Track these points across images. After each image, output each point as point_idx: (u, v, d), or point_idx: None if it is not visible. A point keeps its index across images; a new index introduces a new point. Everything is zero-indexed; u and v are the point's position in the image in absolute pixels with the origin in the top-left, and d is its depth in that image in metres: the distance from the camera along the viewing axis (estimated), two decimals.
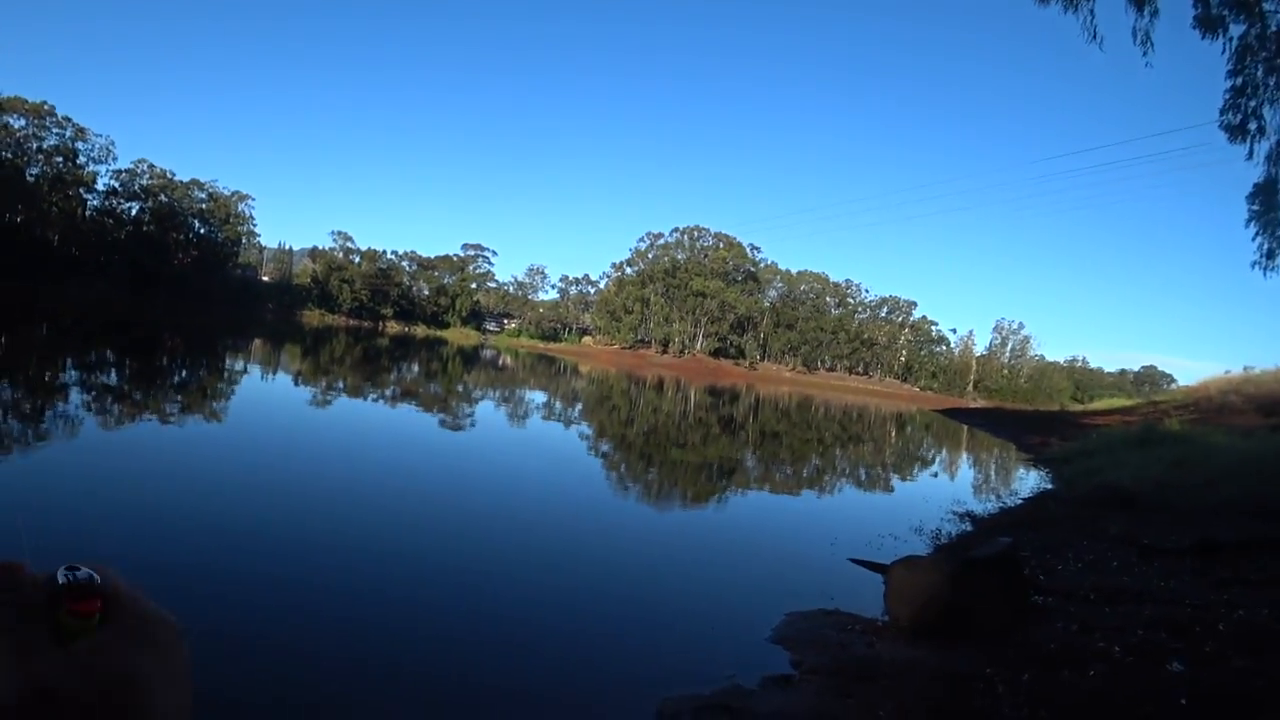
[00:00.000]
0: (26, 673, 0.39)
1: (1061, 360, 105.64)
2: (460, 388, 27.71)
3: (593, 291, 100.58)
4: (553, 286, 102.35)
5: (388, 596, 6.07)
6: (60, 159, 63.89)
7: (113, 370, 19.62)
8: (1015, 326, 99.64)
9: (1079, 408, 62.71)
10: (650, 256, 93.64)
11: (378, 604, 5.88)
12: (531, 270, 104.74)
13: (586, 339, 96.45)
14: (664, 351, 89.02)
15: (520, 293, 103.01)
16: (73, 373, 17.44)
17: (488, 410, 21.32)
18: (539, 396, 27.58)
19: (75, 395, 14.12)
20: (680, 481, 14.81)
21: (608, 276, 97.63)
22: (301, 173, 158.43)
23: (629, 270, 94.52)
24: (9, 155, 59.35)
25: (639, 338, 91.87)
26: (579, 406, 27.18)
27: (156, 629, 0.45)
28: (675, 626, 6.36)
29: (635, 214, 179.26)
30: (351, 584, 6.16)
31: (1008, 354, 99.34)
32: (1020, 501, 14.06)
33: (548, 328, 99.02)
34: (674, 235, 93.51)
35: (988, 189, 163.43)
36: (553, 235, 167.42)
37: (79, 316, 37.07)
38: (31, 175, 61.62)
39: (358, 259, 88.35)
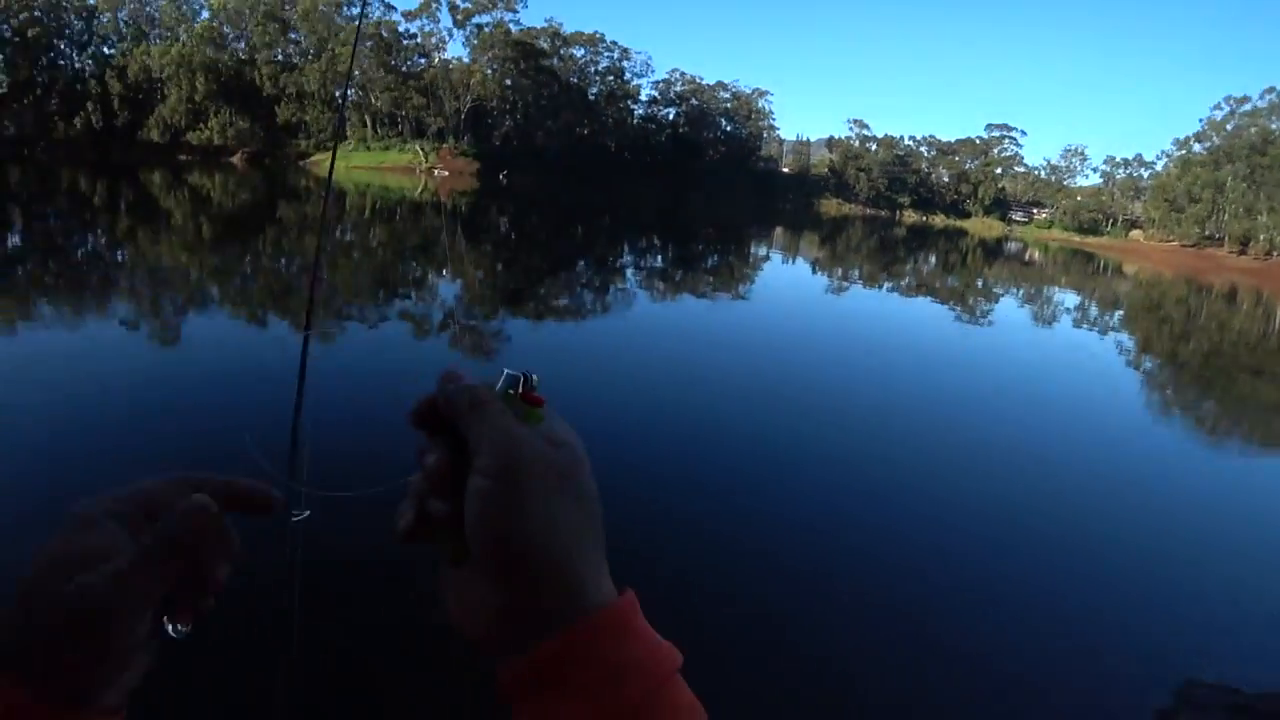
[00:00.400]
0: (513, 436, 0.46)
1: None
2: (979, 283, 26.06)
3: (1146, 175, 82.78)
4: (1094, 170, 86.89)
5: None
6: (611, 78, 75.32)
7: (659, 255, 22.38)
8: None
9: None
10: (1229, 129, 73.29)
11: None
12: (1068, 152, 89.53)
13: (1135, 233, 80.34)
14: (1241, 252, 68.45)
15: (1054, 178, 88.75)
16: (628, 256, 20.31)
17: (1006, 310, 19.69)
18: (1069, 299, 24.47)
19: (630, 275, 16.41)
20: (1248, 423, 11.61)
21: (1167, 156, 78.74)
22: (817, 64, 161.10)
23: (1198, 147, 74.76)
24: (575, 79, 71.88)
25: (1207, 233, 72.10)
26: (1119, 315, 23.30)
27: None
28: (1227, 601, 5.04)
29: (1206, 80, 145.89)
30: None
31: None
32: None
33: (1086, 219, 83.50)
34: (1265, 100, 71.65)
35: None
36: (1096, 110, 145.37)
37: (633, 210, 43.00)
38: (592, 94, 73.77)
39: (874, 147, 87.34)
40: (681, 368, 8.57)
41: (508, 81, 66.22)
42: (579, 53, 73.80)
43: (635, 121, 79.24)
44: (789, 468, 5.92)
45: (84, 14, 64.64)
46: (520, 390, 0.49)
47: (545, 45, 70.04)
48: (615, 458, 5.61)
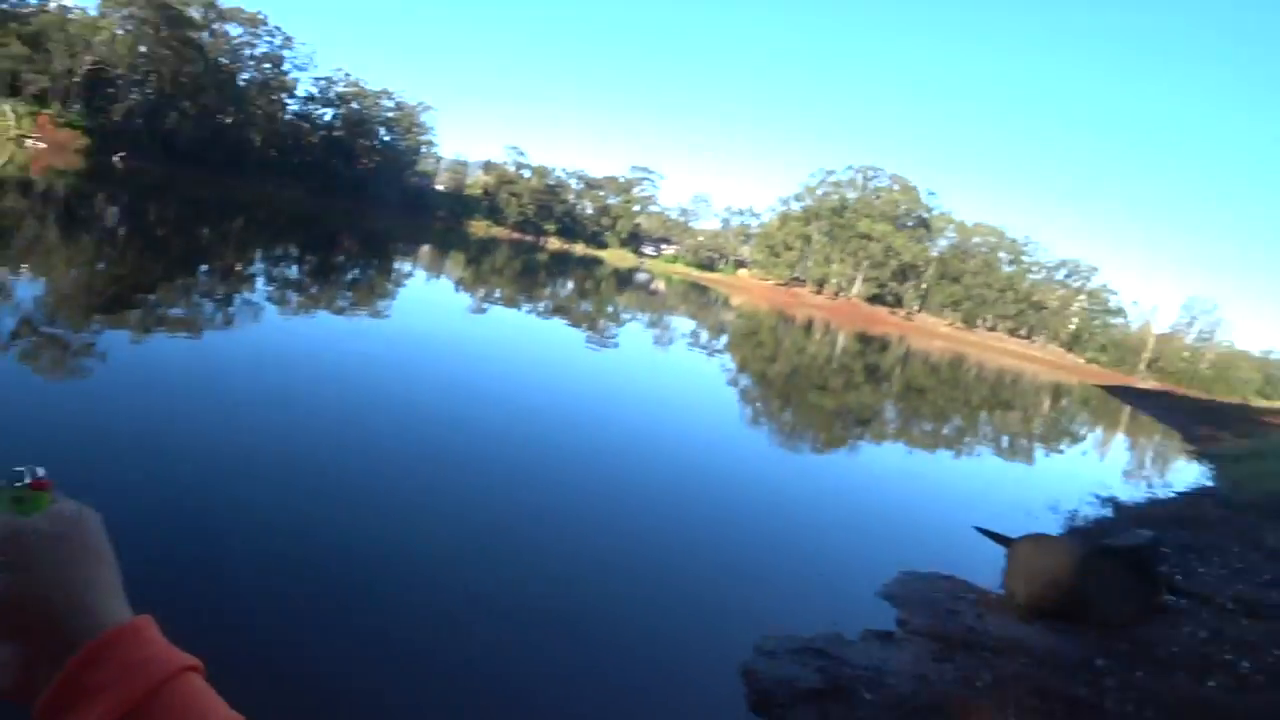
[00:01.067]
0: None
1: (1255, 352, 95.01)
2: (610, 308, 28.39)
3: (754, 224, 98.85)
4: (715, 215, 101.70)
5: (510, 507, 6.53)
6: (268, 65, 69.08)
7: (294, 265, 21.31)
8: (1209, 306, 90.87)
9: (1264, 404, 56.99)
10: (820, 193, 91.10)
11: (505, 510, 6.35)
12: (696, 199, 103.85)
13: (742, 271, 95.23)
14: (819, 292, 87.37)
15: (682, 219, 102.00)
16: (259, 264, 19.10)
17: (632, 333, 21.76)
18: (685, 324, 27.83)
19: (260, 284, 15.51)
20: (814, 426, 14.83)
21: (773, 210, 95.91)
22: (484, 85, 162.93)
23: (796, 205, 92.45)
24: (226, 60, 64.63)
25: (795, 275, 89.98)
26: (723, 339, 27.27)
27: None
28: (787, 570, 6.53)
29: (806, 152, 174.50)
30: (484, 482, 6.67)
31: (1193, 335, 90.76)
32: (1173, 496, 13.20)
33: (704, 257, 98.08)
34: (848, 173, 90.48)
35: (1195, 147, 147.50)
36: (720, 165, 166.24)
37: (272, 213, 40.15)
38: (242, 80, 66.83)
39: (528, 173, 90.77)
40: (291, 396, 8.41)
41: (142, 48, 57.40)
42: (235, 30, 66.44)
43: (287, 117, 73.46)
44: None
45: None
46: (25, 481, 0.58)
47: (196, 15, 61.81)
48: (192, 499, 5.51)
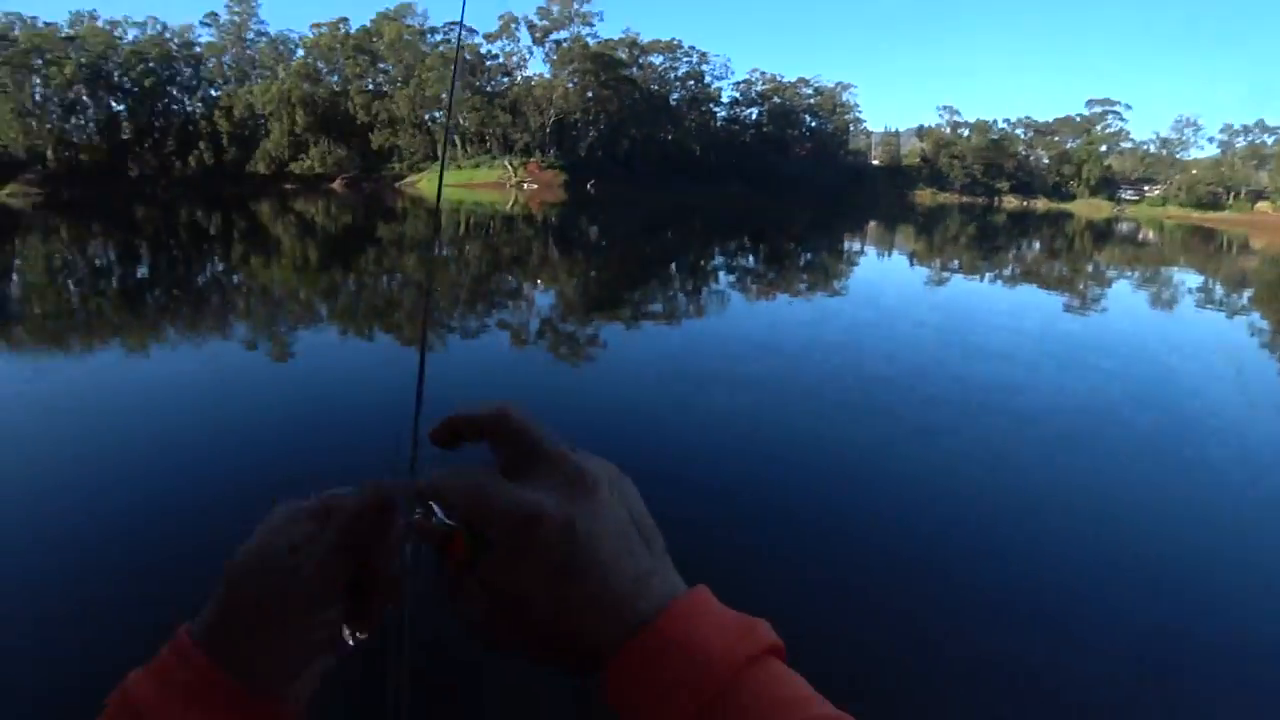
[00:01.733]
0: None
1: None
2: (1088, 267, 24.81)
3: (1270, 142, 76.67)
4: (1210, 140, 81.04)
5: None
6: (692, 82, 75.65)
7: (750, 255, 22.20)
8: None
9: None
10: None
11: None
12: (1180, 123, 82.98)
13: (1262, 205, 74.14)
14: None
15: (1165, 152, 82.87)
16: (719, 257, 20.21)
17: (1121, 294, 18.70)
18: (1188, 278, 22.99)
19: (723, 276, 16.30)
20: None
21: None
22: (900, 53, 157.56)
23: None
24: (655, 87, 72.50)
25: None
26: (1246, 293, 21.72)
27: (530, 532, 0.44)
28: None
29: None
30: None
31: None
32: None
33: (1204, 193, 77.82)
34: None
35: None
36: (1206, 76, 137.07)
37: (721, 211, 42.87)
38: (673, 100, 74.16)
39: (966, 132, 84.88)
40: (773, 368, 8.43)
41: (589, 93, 67.18)
42: (657, 60, 74.48)
43: (718, 124, 79.35)
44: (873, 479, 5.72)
45: (192, 61, 69.11)
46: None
47: (624, 55, 70.88)
48: (694, 454, 5.58)
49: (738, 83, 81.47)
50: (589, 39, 68.88)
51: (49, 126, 62.97)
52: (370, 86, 68.65)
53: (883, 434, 6.16)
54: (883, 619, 3.57)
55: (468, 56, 65.78)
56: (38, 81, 62.60)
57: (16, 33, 61.75)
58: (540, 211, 35.61)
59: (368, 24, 68.29)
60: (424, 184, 60.20)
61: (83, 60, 62.99)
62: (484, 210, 36.04)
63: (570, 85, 66.75)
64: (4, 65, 60.28)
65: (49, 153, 62.41)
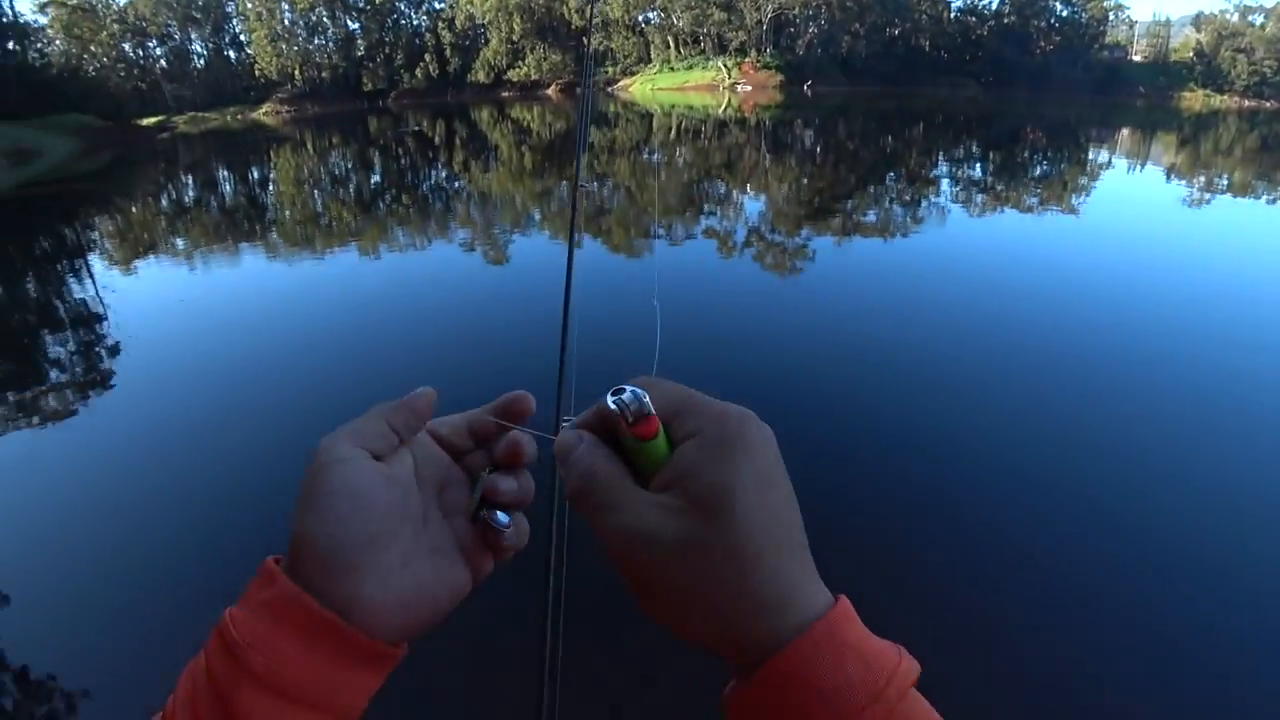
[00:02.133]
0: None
1: None
2: None
3: None
4: None
5: None
6: None
7: (977, 164, 20.38)
8: None
9: None
10: None
11: None
12: None
13: None
14: None
15: None
16: (941, 167, 18.68)
17: None
18: None
19: (944, 186, 15.04)
20: None
21: None
22: None
23: None
24: None
25: None
26: None
27: (732, 426, 0.43)
28: None
29: None
30: None
31: None
32: None
33: None
34: None
35: None
36: None
37: (949, 115, 39.64)
38: None
39: (1260, 19, 70.35)
40: (993, 300, 7.67)
41: None
42: None
43: (952, 16, 71.97)
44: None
45: None
46: (624, 425, 0.43)
47: None
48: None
49: None
50: None
51: (295, 49, 69.39)
52: None
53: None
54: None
55: None
56: (286, 7, 68.80)
57: None
58: (753, 114, 34.48)
59: None
60: (636, 88, 60.11)
61: None
62: (695, 114, 35.47)
63: None
64: None
65: (295, 73, 69.42)
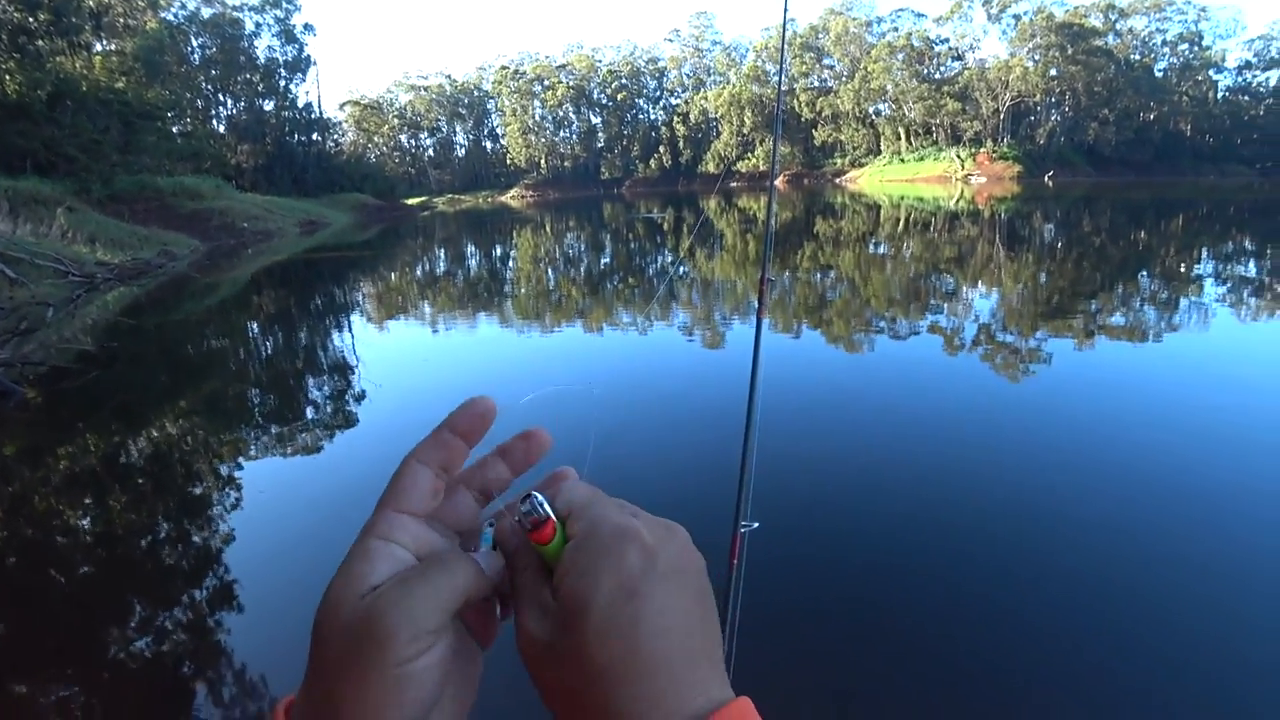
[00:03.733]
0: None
1: None
2: None
3: None
4: None
5: None
6: (1185, 46, 63.49)
7: (1253, 261, 18.33)
8: None
9: None
10: None
11: None
12: None
13: None
14: None
15: None
16: (1206, 264, 16.97)
17: None
18: None
19: (1209, 286, 13.64)
20: None
21: None
22: None
23: None
24: (1137, 56, 62.20)
25: None
26: None
27: (604, 535, 0.42)
28: None
29: None
30: None
31: None
32: None
33: None
34: None
35: None
36: None
37: (1215, 205, 36.03)
38: (1160, 70, 63.12)
39: None
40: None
41: (1052, 72, 60.38)
42: (1140, 23, 64.15)
43: (1220, 96, 65.83)
44: None
45: (656, 74, 78.56)
46: (526, 527, 0.44)
47: (1097, 22, 62.23)
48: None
49: (1252, 40, 66.72)
50: (1055, 8, 61.60)
51: (543, 140, 77.52)
52: (815, 84, 70.15)
53: None
54: None
55: (915, 43, 63.89)
56: (537, 104, 77.47)
57: (525, 66, 77.37)
58: (987, 206, 33.23)
59: (814, 21, 69.71)
60: (865, 179, 59.97)
61: (570, 83, 76.01)
62: (924, 206, 34.76)
63: (1030, 64, 60.52)
64: (515, 94, 75.75)
65: (541, 162, 77.75)
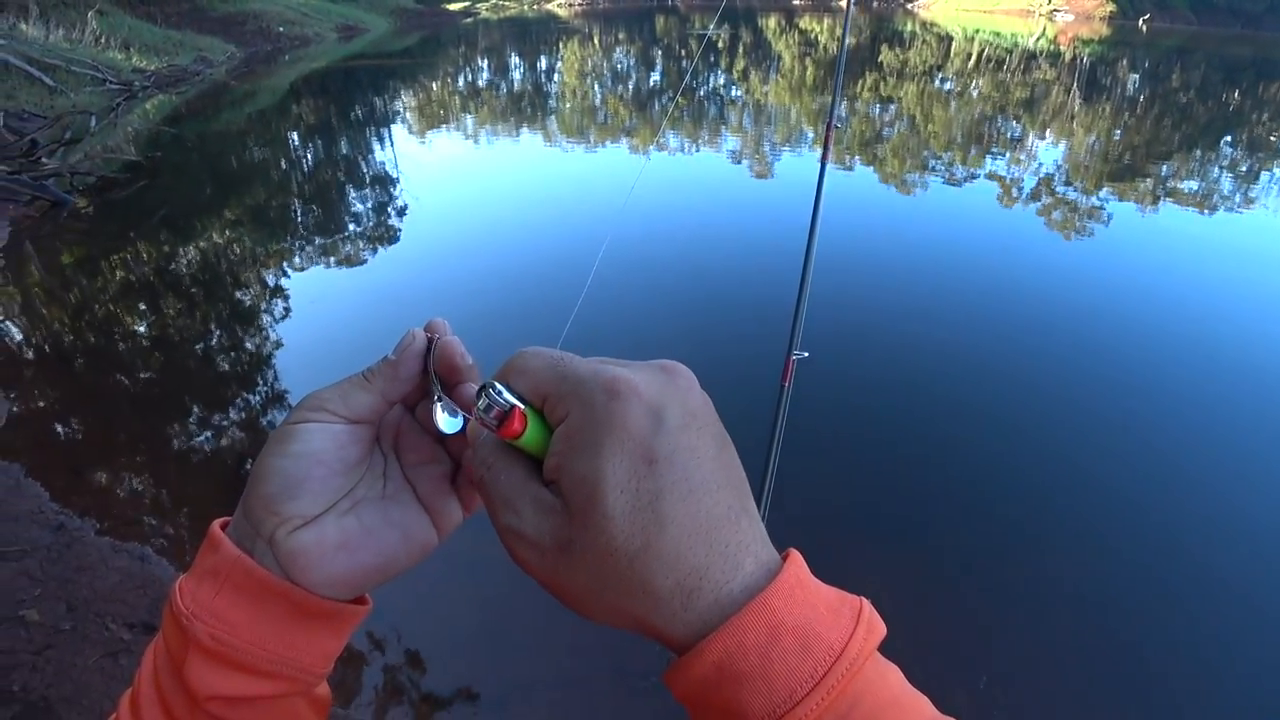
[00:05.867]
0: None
1: None
2: None
3: None
4: None
5: None
6: None
7: None
8: None
9: None
10: None
11: None
12: None
13: None
14: None
15: None
16: None
17: None
18: None
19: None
20: None
21: None
22: None
23: None
24: None
25: None
26: None
27: (599, 404, 0.36)
28: None
29: None
30: None
31: None
32: None
33: None
34: None
35: None
36: None
37: None
38: None
39: None
40: None
41: None
42: None
43: None
44: None
45: None
46: (492, 425, 0.38)
47: None
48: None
49: None
50: None
51: None
52: None
53: None
54: None
55: None
56: None
57: None
58: (1069, 48, 30.74)
59: None
60: (938, 6, 55.65)
61: None
62: (1000, 41, 32.30)
63: None
64: None
65: None
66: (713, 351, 4.72)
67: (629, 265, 5.95)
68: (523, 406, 0.38)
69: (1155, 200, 9.12)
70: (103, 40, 18.84)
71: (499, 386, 0.38)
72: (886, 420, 4.13)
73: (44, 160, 9.14)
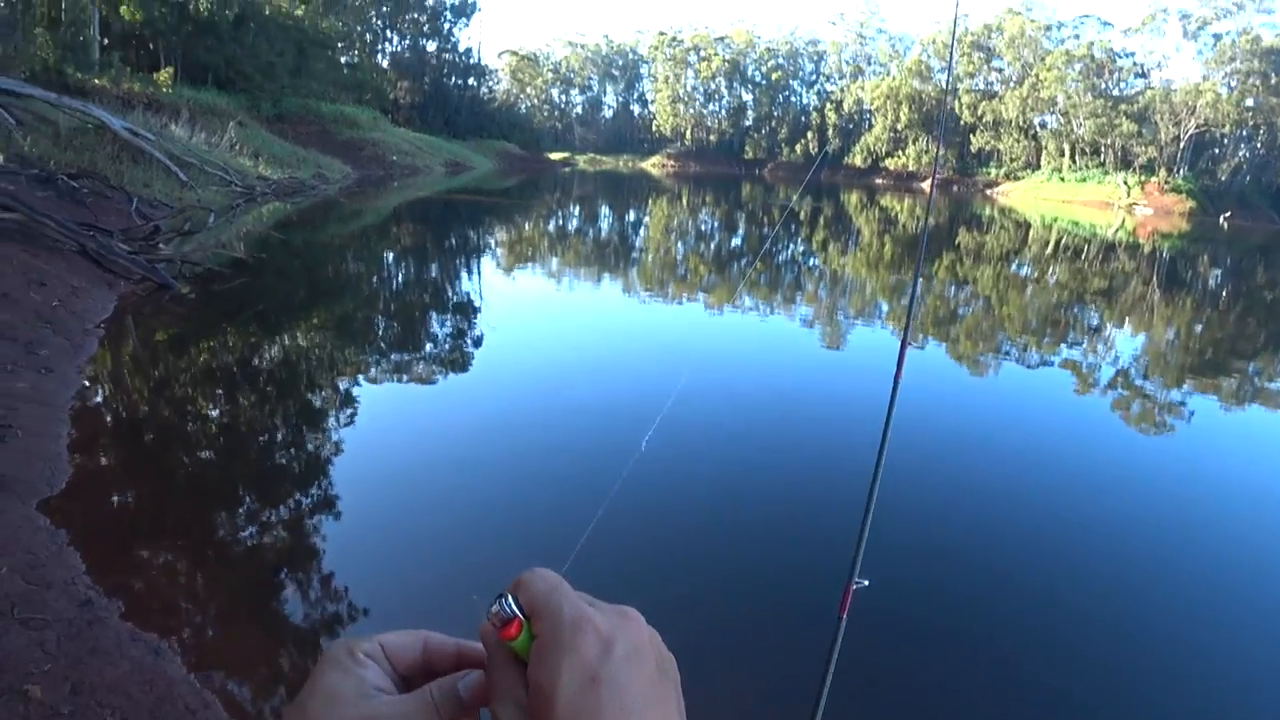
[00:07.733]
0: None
1: None
2: None
3: None
4: None
5: None
6: None
7: None
8: None
9: None
10: None
11: None
12: None
13: None
14: None
15: None
16: None
17: None
18: None
19: None
20: None
21: None
22: None
23: None
24: None
25: None
26: None
27: (564, 629, 0.45)
28: None
29: None
30: None
31: None
32: None
33: None
34: None
35: None
36: None
37: None
38: None
39: None
40: None
41: (1249, 101, 54.49)
42: None
43: None
44: None
45: (815, 58, 76.53)
46: (495, 625, 0.47)
47: None
48: None
49: None
50: (1265, 30, 54.95)
51: (691, 111, 77.13)
52: (980, 86, 66.77)
53: None
54: None
55: (1096, 54, 59.73)
56: (690, 74, 77.07)
57: (683, 35, 77.16)
58: (1149, 241, 30.90)
59: (989, 20, 66.08)
60: (1018, 194, 56.99)
61: (726, 56, 75.20)
62: (1079, 231, 32.72)
63: (1224, 90, 54.77)
64: (670, 61, 75.72)
65: (687, 133, 77.19)
66: (764, 573, 4.30)
67: (678, 446, 5.59)
68: (522, 618, 0.46)
69: (1240, 399, 8.91)
70: (237, 147, 20.90)
71: (510, 599, 0.47)
72: (953, 654, 3.69)
73: (161, 246, 9.97)
